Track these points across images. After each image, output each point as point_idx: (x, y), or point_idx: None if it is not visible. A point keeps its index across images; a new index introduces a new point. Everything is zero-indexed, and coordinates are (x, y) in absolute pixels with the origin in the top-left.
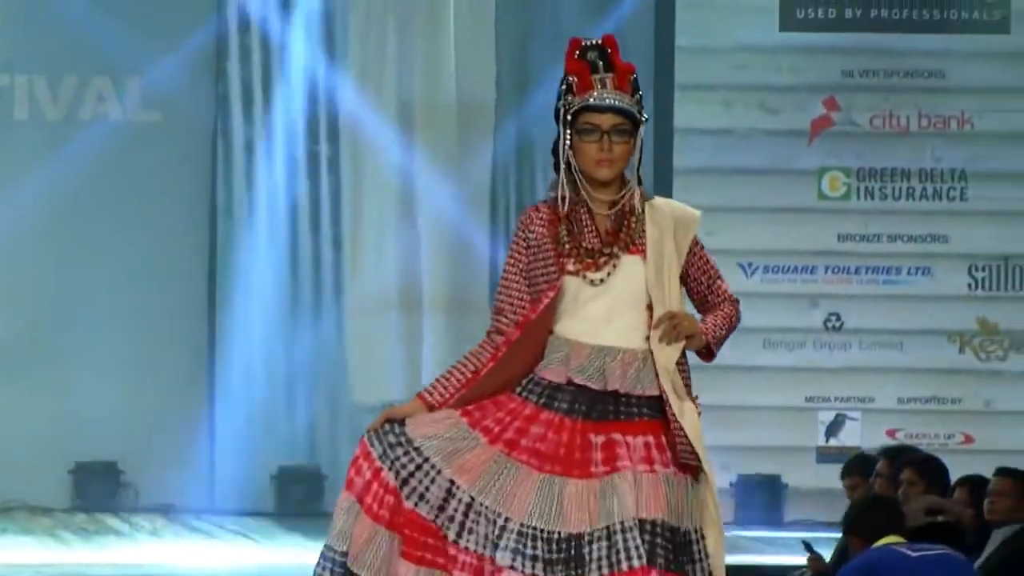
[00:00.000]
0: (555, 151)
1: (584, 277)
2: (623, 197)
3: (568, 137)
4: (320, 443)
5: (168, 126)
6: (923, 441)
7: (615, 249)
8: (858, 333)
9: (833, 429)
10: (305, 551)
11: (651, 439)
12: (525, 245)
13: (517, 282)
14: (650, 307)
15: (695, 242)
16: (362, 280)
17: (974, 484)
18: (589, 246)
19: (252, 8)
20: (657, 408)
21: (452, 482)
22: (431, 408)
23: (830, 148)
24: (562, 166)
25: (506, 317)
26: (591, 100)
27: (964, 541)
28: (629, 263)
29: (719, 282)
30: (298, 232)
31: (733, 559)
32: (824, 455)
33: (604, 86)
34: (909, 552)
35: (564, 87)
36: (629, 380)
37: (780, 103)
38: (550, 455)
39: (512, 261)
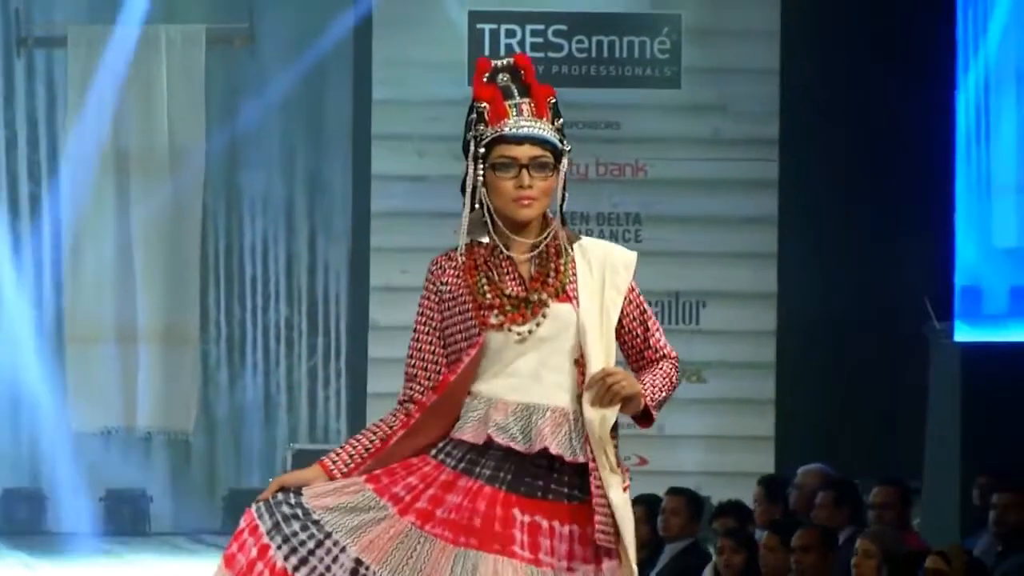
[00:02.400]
0: (465, 189)
1: (509, 331)
2: (545, 238)
3: (480, 173)
4: (42, 466)
5: None
6: None
7: (542, 297)
8: None
9: None
10: (28, 570)
11: (576, 528)
12: (437, 299)
13: (430, 343)
14: (580, 362)
15: (631, 288)
16: (82, 311)
17: (648, 503)
18: (513, 295)
19: None
20: (585, 485)
21: (359, 562)
22: (332, 477)
23: None
24: (468, 206)
25: (419, 384)
26: (506, 130)
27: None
28: (559, 312)
29: (658, 335)
30: (22, 267)
31: None
32: None
33: (520, 113)
34: None
35: (474, 116)
36: (560, 442)
37: None
38: (465, 526)
39: (423, 320)
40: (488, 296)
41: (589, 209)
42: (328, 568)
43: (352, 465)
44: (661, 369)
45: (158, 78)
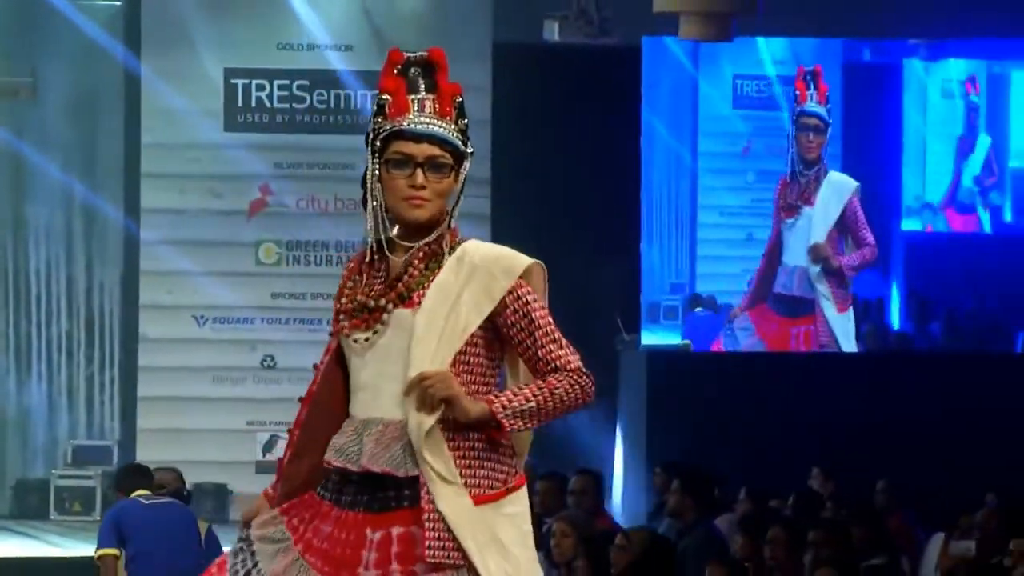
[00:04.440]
0: (364, 184)
1: (347, 337)
2: (426, 243)
3: (376, 168)
4: None
5: None
6: None
7: (381, 302)
8: (289, 371)
9: (269, 446)
10: None
11: (415, 530)
12: (338, 298)
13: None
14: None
15: (515, 296)
16: None
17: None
18: (358, 301)
19: None
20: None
21: None
22: (271, 505)
23: (265, 224)
24: (369, 201)
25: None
26: (404, 125)
27: None
28: (400, 319)
29: (551, 348)
30: None
31: None
32: (263, 468)
33: (422, 109)
34: (143, 502)
35: (376, 106)
36: (382, 457)
37: (225, 188)
38: (330, 555)
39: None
40: (344, 300)
41: (328, 238)
42: None
43: (278, 492)
44: (545, 381)
45: None
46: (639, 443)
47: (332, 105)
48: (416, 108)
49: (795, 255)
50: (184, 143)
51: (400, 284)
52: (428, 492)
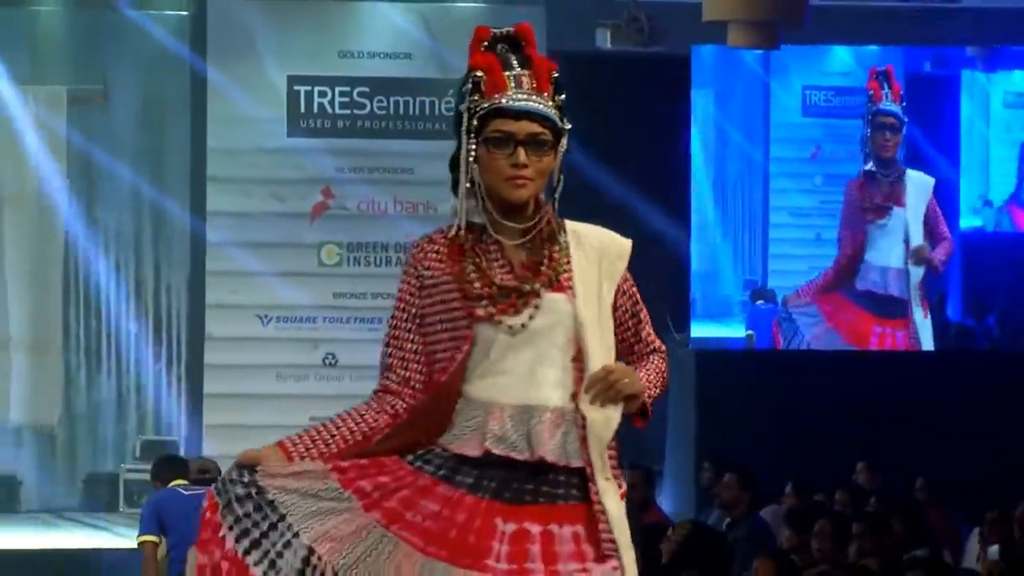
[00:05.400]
0: (454, 166)
1: (500, 323)
2: (539, 222)
3: (472, 148)
4: None
5: None
6: None
7: (535, 286)
8: (350, 368)
9: None
10: None
11: (580, 529)
12: (418, 285)
13: (408, 331)
14: (577, 358)
15: (625, 278)
16: None
17: None
18: (503, 284)
19: None
20: (584, 486)
21: (311, 551)
22: (290, 460)
23: (327, 226)
24: (463, 184)
25: (395, 374)
26: (504, 102)
27: None
28: (553, 303)
29: (648, 328)
30: None
31: None
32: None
33: (520, 85)
34: (182, 491)
35: (469, 85)
36: (556, 447)
37: (288, 192)
38: (437, 536)
39: (402, 306)
40: (476, 285)
41: (388, 239)
42: (280, 554)
43: (314, 450)
44: (653, 364)
45: (26, 131)
46: (687, 439)
47: (391, 111)
48: (513, 85)
49: (886, 255)
50: (249, 148)
51: (544, 268)
52: (596, 485)
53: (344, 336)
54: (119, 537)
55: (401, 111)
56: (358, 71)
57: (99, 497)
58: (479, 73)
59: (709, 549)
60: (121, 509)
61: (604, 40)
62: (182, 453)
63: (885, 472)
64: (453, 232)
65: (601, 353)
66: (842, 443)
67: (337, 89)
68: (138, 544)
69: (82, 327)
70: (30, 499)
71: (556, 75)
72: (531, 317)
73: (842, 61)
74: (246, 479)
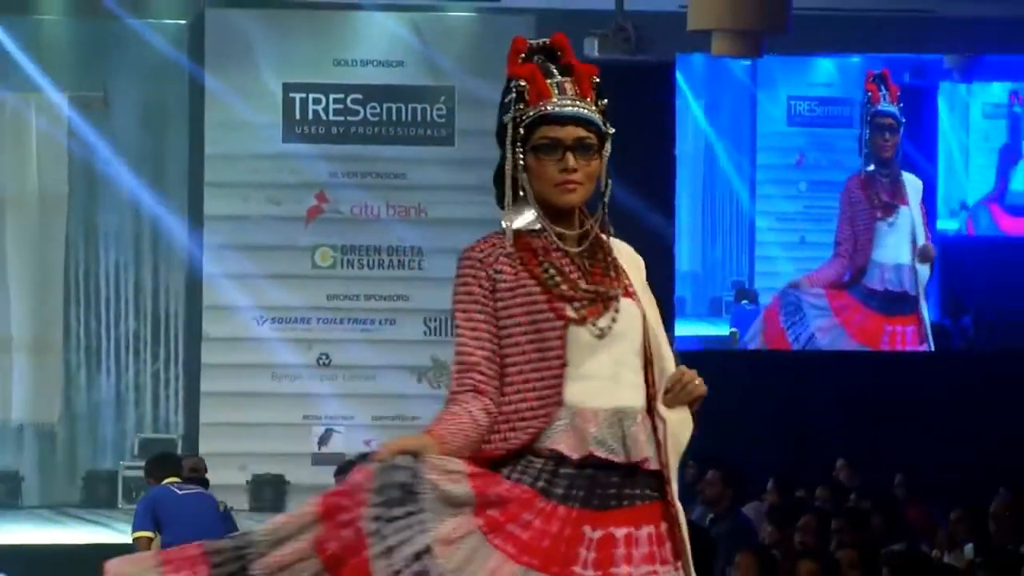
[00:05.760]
0: (499, 178)
1: (592, 326)
2: (591, 228)
3: (520, 156)
4: None
5: None
6: None
7: (615, 291)
8: (342, 368)
9: (324, 440)
10: None
11: (653, 529)
12: (491, 287)
13: (487, 329)
14: (649, 360)
15: (645, 288)
16: None
17: None
18: (588, 288)
19: None
20: (658, 487)
21: (428, 548)
22: (442, 452)
23: (321, 230)
24: (509, 194)
25: (483, 372)
26: (550, 109)
27: None
28: (628, 308)
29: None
30: None
31: None
32: (318, 459)
33: (563, 92)
34: (177, 490)
35: (512, 95)
36: (650, 450)
37: (283, 196)
38: (532, 546)
39: (476, 307)
40: (564, 287)
41: (381, 243)
42: (399, 544)
43: (452, 447)
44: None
45: (28, 136)
46: None
47: (384, 117)
48: (557, 91)
49: (895, 252)
50: (245, 153)
51: (612, 273)
52: (672, 487)
53: (337, 337)
54: (118, 533)
55: (394, 117)
56: (352, 78)
57: (98, 494)
58: (522, 83)
59: (693, 544)
60: (120, 506)
61: (592, 49)
62: (179, 451)
63: (865, 469)
64: (510, 240)
65: (669, 355)
66: (823, 441)
67: (331, 96)
68: (133, 539)
69: (82, 328)
70: (31, 495)
71: (597, 80)
72: (614, 320)
73: (826, 72)
74: (411, 467)
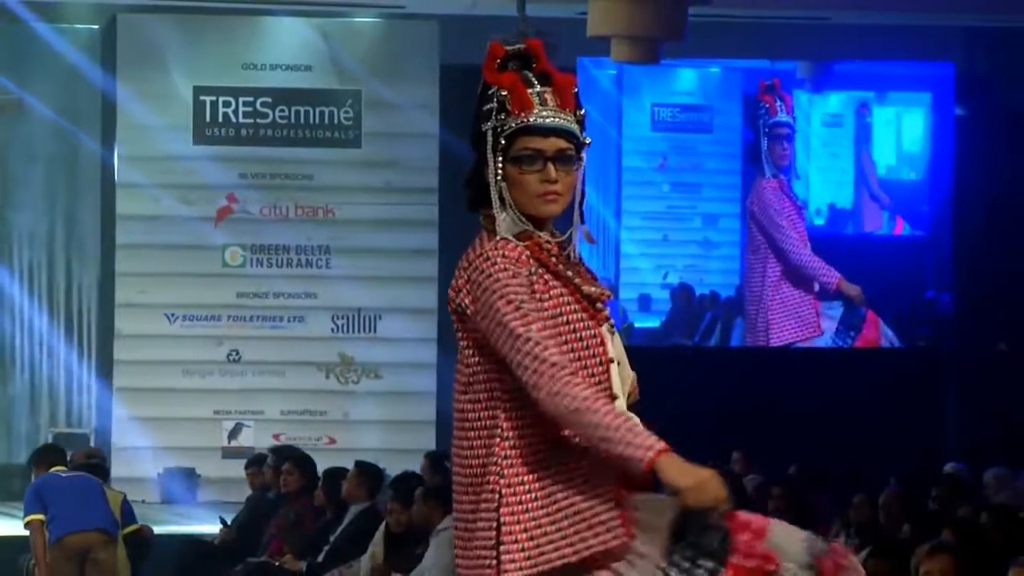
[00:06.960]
0: (471, 184)
1: (608, 324)
2: (569, 237)
3: (500, 166)
4: None
5: None
6: (299, 442)
7: (605, 293)
8: (252, 364)
9: (234, 434)
10: None
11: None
12: (528, 285)
13: (538, 314)
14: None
15: None
16: None
17: (333, 474)
18: (592, 292)
19: None
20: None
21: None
22: None
23: (231, 230)
24: (496, 202)
25: (559, 350)
26: (533, 120)
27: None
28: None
29: None
30: None
31: (161, 529)
32: (228, 453)
33: (545, 103)
34: (62, 475)
35: (493, 104)
36: None
37: (194, 197)
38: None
39: (522, 296)
40: (584, 288)
41: (290, 242)
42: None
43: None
44: None
45: None
46: None
47: (292, 120)
48: (538, 103)
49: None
50: (157, 155)
51: (591, 275)
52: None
53: (247, 334)
54: None
55: (302, 120)
56: (261, 82)
57: (13, 488)
58: (503, 92)
59: None
60: None
61: None
62: (92, 444)
63: (760, 460)
64: (512, 245)
65: (626, 364)
66: (720, 434)
67: (241, 99)
68: (24, 524)
69: None
70: None
71: (576, 91)
72: (612, 324)
73: (687, 81)
74: (721, 528)
